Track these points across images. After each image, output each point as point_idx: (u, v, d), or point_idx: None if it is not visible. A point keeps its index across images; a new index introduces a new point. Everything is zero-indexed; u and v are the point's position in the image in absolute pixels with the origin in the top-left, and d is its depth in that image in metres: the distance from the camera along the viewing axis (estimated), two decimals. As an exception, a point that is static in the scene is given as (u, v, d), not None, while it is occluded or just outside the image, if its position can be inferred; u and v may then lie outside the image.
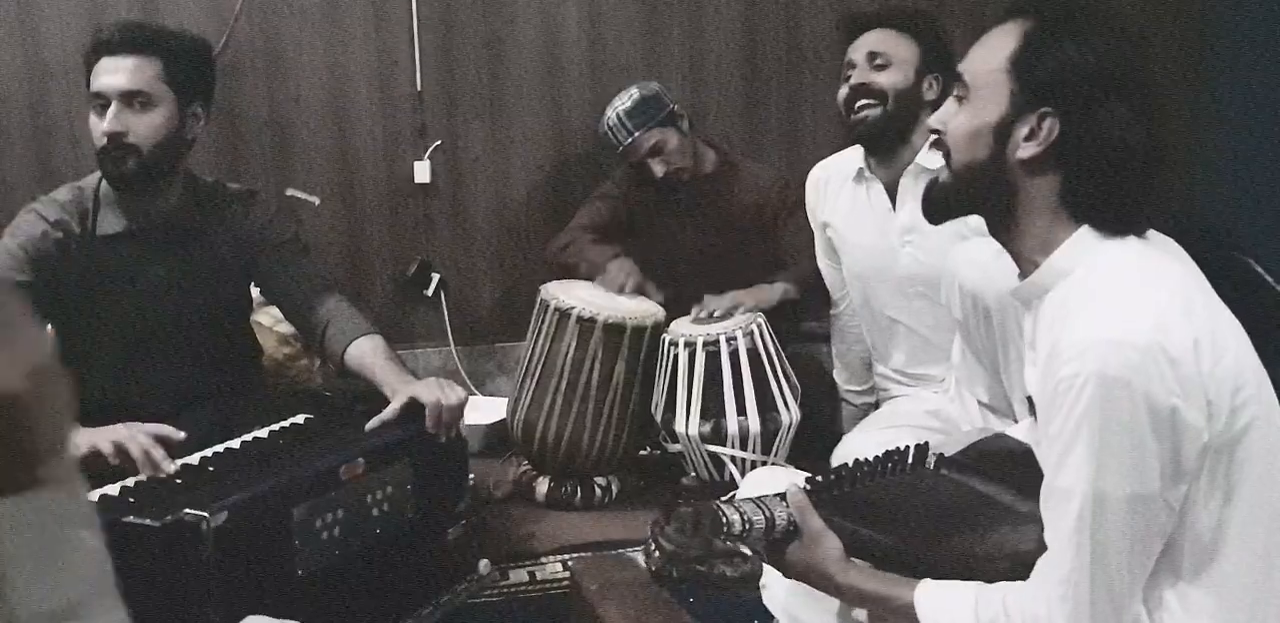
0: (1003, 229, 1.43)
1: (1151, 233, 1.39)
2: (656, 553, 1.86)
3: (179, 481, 1.92)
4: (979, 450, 1.62)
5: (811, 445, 2.87)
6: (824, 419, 3.10)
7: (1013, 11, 1.41)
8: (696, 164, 3.26)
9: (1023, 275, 1.43)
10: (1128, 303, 1.27)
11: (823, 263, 3.01)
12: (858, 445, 2.65)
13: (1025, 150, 1.35)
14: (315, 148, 3.63)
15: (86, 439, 1.98)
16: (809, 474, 1.64)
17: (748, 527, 1.48)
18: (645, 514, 2.84)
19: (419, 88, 3.65)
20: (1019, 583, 1.34)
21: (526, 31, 3.72)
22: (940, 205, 1.50)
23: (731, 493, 1.63)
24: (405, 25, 3.62)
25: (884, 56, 2.65)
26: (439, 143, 3.69)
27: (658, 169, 3.19)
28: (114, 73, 2.23)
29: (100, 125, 2.23)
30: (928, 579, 1.42)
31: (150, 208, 2.32)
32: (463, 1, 3.66)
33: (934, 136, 1.49)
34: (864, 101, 2.64)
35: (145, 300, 2.35)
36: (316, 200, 3.60)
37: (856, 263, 2.83)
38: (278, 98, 3.57)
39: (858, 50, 2.69)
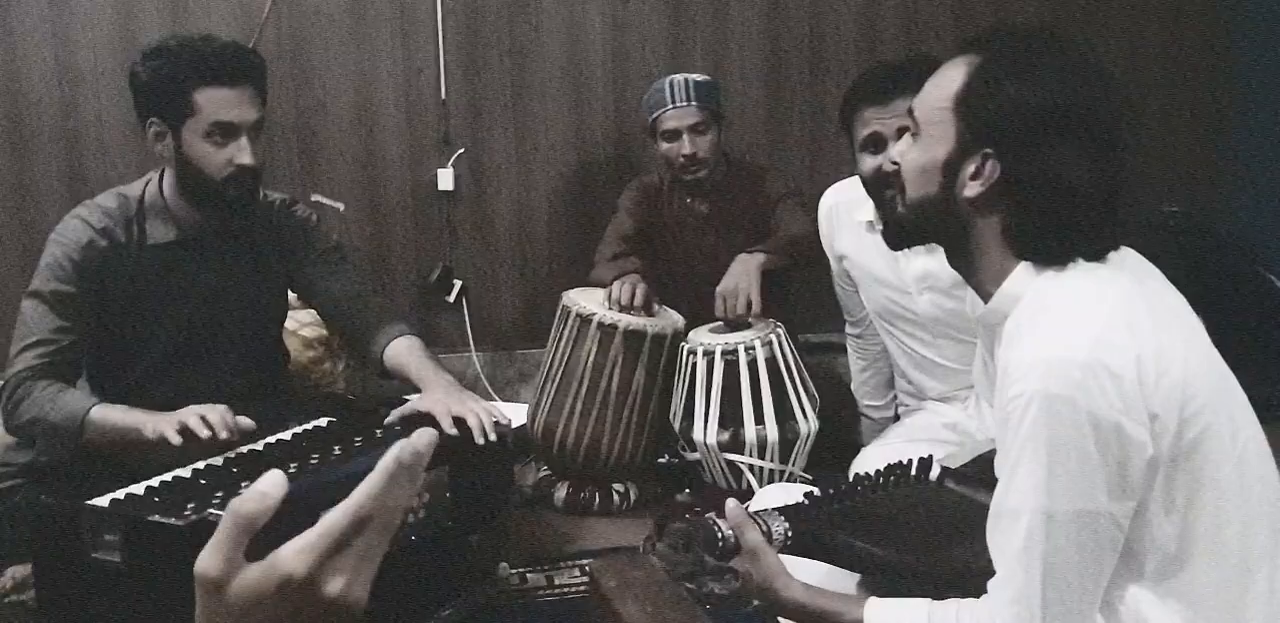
0: (959, 260, 1.46)
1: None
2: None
3: (204, 481, 1.94)
4: (985, 461, 1.62)
5: (830, 456, 2.87)
6: (842, 429, 3.10)
7: (965, 46, 1.41)
8: (714, 169, 3.24)
9: (984, 302, 1.44)
10: (1069, 321, 1.27)
11: (838, 286, 2.98)
12: (875, 459, 2.65)
13: (971, 189, 1.36)
14: (340, 154, 3.66)
15: (152, 427, 2.06)
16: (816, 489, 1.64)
17: None
18: (663, 521, 2.85)
19: (443, 96, 3.68)
20: (972, 600, 1.34)
21: (550, 41, 3.74)
22: (898, 235, 1.53)
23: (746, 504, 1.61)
24: (431, 33, 3.65)
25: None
26: (462, 151, 3.72)
27: (687, 146, 3.14)
28: (240, 105, 2.22)
29: (237, 157, 2.22)
30: (874, 597, 1.42)
31: (202, 218, 2.35)
32: (488, 11, 3.69)
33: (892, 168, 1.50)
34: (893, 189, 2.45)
35: (195, 307, 2.38)
36: (341, 206, 3.63)
37: (875, 302, 2.79)
38: (303, 104, 3.61)
39: (885, 124, 2.41)
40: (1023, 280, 1.36)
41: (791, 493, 2.04)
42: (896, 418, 3.00)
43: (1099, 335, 1.24)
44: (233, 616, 0.69)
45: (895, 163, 1.47)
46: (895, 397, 3.01)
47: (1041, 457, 1.24)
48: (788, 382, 2.81)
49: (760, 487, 2.76)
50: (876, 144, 2.46)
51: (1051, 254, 1.35)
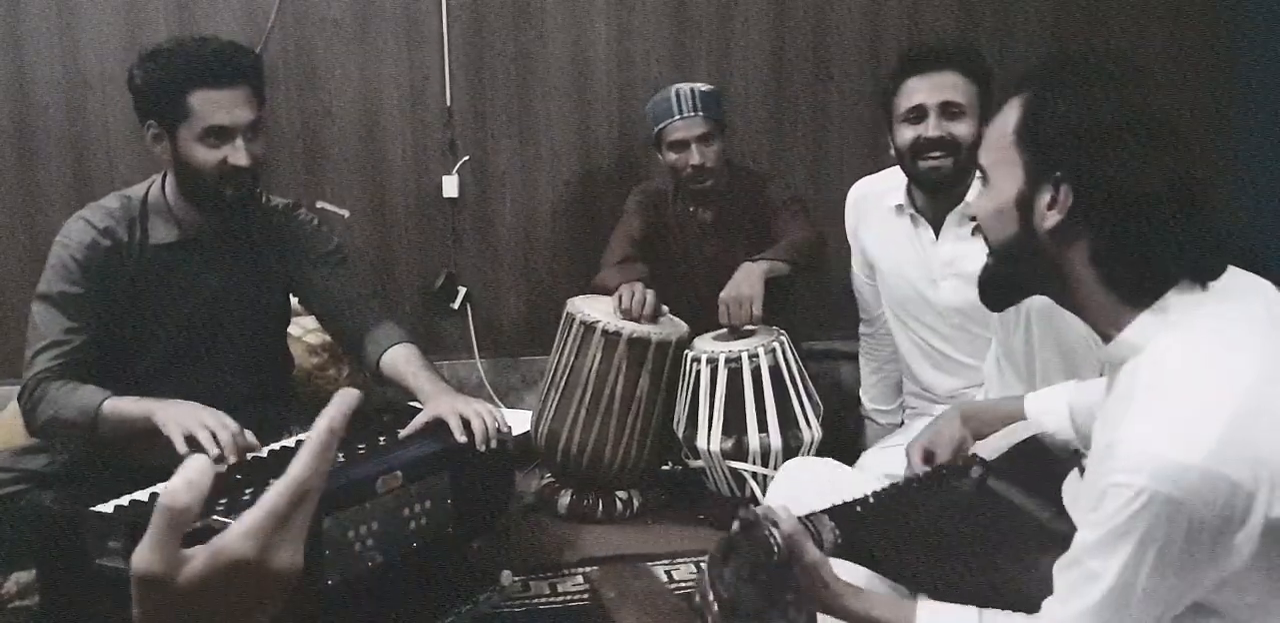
0: (1067, 303, 1.41)
1: (1232, 276, 1.35)
2: (714, 603, 1.56)
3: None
4: (1021, 455, 1.59)
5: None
6: (846, 437, 3.11)
7: (1014, 87, 1.40)
8: (719, 177, 3.24)
9: (1103, 342, 1.39)
10: (1191, 414, 1.21)
11: (859, 280, 3.01)
12: (874, 461, 2.65)
13: (1050, 220, 1.33)
14: (345, 161, 3.67)
15: (162, 417, 2.06)
16: (839, 463, 1.60)
17: None
18: (666, 528, 2.86)
19: (449, 103, 3.69)
20: (1024, 616, 1.34)
21: (556, 49, 3.75)
22: (994, 291, 1.50)
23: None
24: (436, 41, 3.66)
25: (958, 105, 2.54)
26: (467, 158, 3.72)
27: (695, 157, 3.12)
28: (234, 107, 2.22)
29: (231, 158, 2.22)
30: (925, 599, 1.43)
31: (203, 219, 2.36)
32: (493, 18, 3.70)
33: (975, 223, 1.50)
34: (938, 152, 2.55)
35: (196, 308, 2.39)
36: (346, 213, 3.64)
37: (895, 291, 2.80)
38: (309, 111, 3.62)
39: (930, 94, 2.55)
40: (1144, 332, 1.31)
41: (816, 468, 2.02)
42: (901, 424, 3.00)
43: (1222, 435, 1.18)
44: (180, 607, 0.69)
45: (972, 217, 1.45)
46: (903, 402, 3.01)
47: (1137, 547, 1.21)
48: (791, 389, 2.82)
49: (764, 495, 2.77)
50: (919, 115, 2.56)
51: (1144, 276, 1.31)
